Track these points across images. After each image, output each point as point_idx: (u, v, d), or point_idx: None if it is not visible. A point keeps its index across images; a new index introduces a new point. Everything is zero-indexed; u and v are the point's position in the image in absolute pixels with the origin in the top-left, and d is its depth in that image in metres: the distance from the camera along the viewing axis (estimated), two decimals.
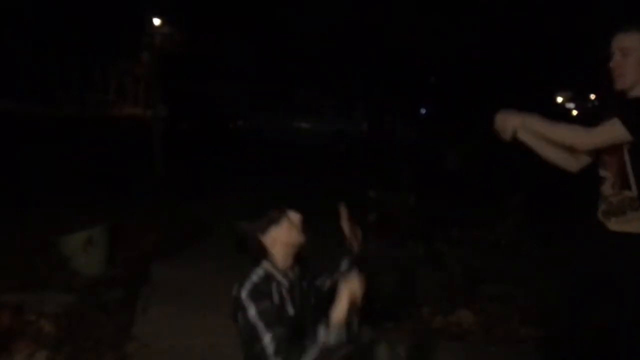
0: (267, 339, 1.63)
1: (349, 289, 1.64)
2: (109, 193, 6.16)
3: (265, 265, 1.79)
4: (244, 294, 1.70)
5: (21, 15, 17.96)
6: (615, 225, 2.13)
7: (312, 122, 17.04)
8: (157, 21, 13.32)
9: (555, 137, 2.13)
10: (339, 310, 1.62)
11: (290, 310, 1.76)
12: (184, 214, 5.83)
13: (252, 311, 1.67)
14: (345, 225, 2.08)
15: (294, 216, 1.85)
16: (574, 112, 31.16)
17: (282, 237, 1.79)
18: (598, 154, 2.21)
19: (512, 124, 2.16)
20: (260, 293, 1.70)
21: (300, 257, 1.89)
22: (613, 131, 1.98)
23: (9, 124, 11.91)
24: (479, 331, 3.36)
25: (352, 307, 1.64)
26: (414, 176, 6.81)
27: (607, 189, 2.16)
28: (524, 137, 2.19)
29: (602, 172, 2.18)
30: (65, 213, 5.05)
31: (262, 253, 1.79)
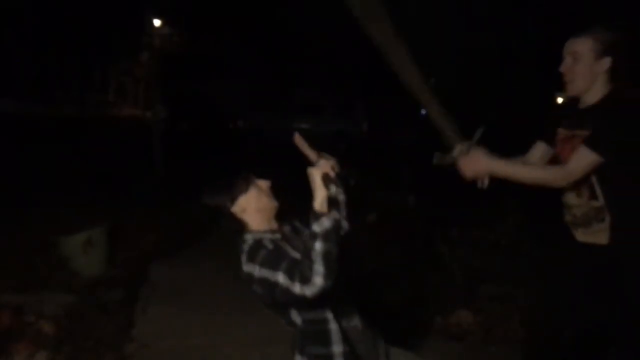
0: (280, 277, 1.57)
1: (318, 172, 1.62)
2: (108, 193, 6.16)
3: (249, 235, 1.76)
4: (244, 268, 1.69)
5: (21, 15, 17.96)
6: (582, 236, 2.08)
7: (312, 122, 17.02)
8: (157, 22, 13.34)
9: (529, 181, 2.04)
10: (318, 197, 1.58)
11: (294, 254, 1.71)
12: (184, 214, 5.83)
13: (256, 270, 1.64)
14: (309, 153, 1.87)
15: (262, 182, 1.83)
16: None
17: (252, 204, 1.77)
18: (555, 160, 2.14)
19: (479, 174, 2.07)
20: (254, 253, 1.68)
21: (284, 217, 1.86)
22: (586, 160, 1.91)
23: (9, 124, 11.91)
24: (478, 331, 3.36)
25: (327, 181, 1.60)
26: (414, 176, 6.80)
27: (571, 198, 2.09)
28: (498, 175, 2.10)
29: None
30: (65, 213, 5.05)
31: (238, 223, 1.78)
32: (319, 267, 1.50)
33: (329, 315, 1.70)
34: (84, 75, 23.10)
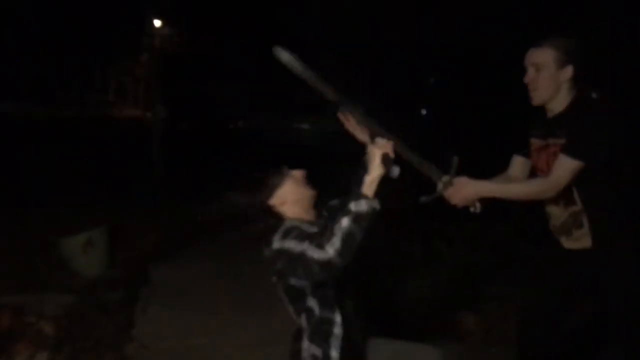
0: (304, 245, 1.54)
1: (380, 151, 1.59)
2: (108, 194, 6.16)
3: (288, 222, 1.73)
4: (274, 245, 1.64)
5: (21, 16, 17.96)
6: (567, 243, 2.10)
7: (312, 122, 17.02)
8: (157, 22, 13.33)
9: (518, 197, 2.05)
10: (371, 175, 1.55)
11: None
12: (184, 215, 5.84)
13: (285, 243, 1.61)
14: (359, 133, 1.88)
15: (297, 172, 1.83)
16: None
17: (290, 196, 1.78)
18: (533, 171, 2.16)
19: (469, 200, 2.07)
20: (289, 232, 1.65)
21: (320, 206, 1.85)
22: (569, 167, 1.92)
23: (9, 125, 11.92)
24: (478, 331, 3.36)
25: (386, 162, 1.58)
26: (414, 176, 6.79)
27: (549, 207, 2.12)
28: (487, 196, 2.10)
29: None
30: (65, 214, 5.06)
31: (276, 216, 1.77)
32: (336, 241, 1.48)
33: (338, 319, 1.69)
34: (84, 76, 23.11)
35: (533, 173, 2.18)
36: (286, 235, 1.64)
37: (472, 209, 2.11)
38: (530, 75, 2.03)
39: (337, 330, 1.68)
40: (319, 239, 1.52)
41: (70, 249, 4.10)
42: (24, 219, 4.96)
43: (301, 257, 1.54)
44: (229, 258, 4.49)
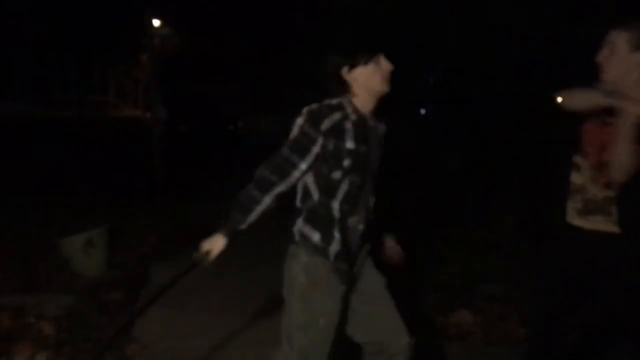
0: (289, 141, 1.81)
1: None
2: (108, 194, 6.17)
3: (342, 99, 1.82)
4: (305, 109, 1.80)
5: (21, 17, 17.96)
6: (587, 223, 2.08)
7: None
8: (156, 22, 13.34)
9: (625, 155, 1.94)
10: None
11: (350, 144, 1.77)
12: (184, 216, 5.83)
13: (299, 123, 1.79)
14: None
15: (385, 63, 1.85)
16: None
17: (363, 78, 1.81)
18: (580, 151, 2.13)
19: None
20: (315, 116, 1.77)
21: (382, 113, 1.90)
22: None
23: (9, 125, 11.92)
24: (478, 332, 3.36)
25: None
26: (414, 176, 6.80)
27: (585, 182, 2.09)
28: None
29: (578, 160, 2.12)
30: (65, 215, 5.06)
31: (341, 86, 1.83)
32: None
33: (335, 205, 1.79)
34: (84, 77, 23.10)
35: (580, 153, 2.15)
36: (311, 116, 1.78)
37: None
38: (603, 53, 2.06)
39: (336, 214, 1.82)
40: (284, 163, 1.79)
41: (70, 250, 4.10)
42: (24, 219, 4.96)
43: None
44: (229, 258, 4.49)
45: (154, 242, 4.96)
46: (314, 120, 1.76)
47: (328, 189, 1.79)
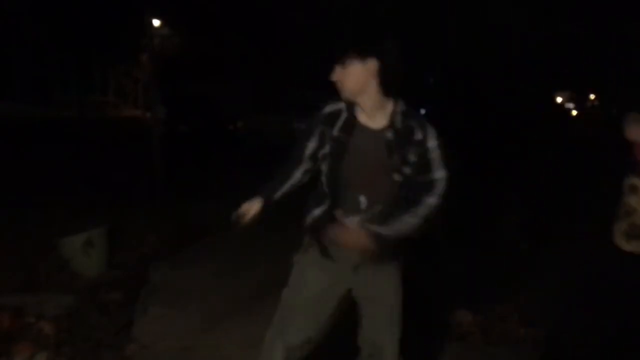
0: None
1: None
2: (108, 194, 6.16)
3: (342, 102, 1.94)
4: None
5: (21, 17, 17.96)
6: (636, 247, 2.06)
7: None
8: (156, 22, 13.34)
9: None
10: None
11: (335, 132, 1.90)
12: (184, 216, 5.83)
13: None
14: None
15: (372, 63, 1.93)
16: (574, 112, 31.13)
17: (356, 77, 1.89)
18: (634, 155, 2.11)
19: None
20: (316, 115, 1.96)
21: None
22: None
23: (8, 126, 11.92)
24: (478, 331, 3.36)
25: None
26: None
27: (636, 204, 2.07)
28: None
29: (637, 182, 2.11)
30: (65, 215, 5.06)
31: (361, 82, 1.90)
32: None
33: (323, 179, 1.93)
34: (84, 77, 23.11)
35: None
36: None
37: None
38: None
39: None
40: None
41: (70, 250, 4.10)
42: (24, 219, 4.96)
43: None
44: (229, 258, 4.50)
45: (154, 242, 4.96)
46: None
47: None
